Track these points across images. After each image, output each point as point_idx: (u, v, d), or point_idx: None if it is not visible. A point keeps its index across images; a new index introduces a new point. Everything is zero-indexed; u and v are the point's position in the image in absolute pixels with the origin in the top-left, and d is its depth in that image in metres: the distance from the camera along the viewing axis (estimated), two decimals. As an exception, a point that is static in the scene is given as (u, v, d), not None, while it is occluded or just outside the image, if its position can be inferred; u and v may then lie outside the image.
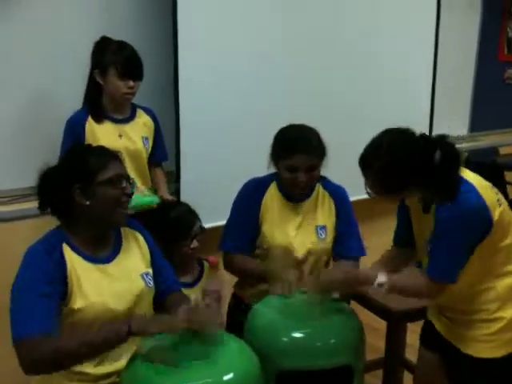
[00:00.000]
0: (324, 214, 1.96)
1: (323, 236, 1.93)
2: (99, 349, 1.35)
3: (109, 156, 1.51)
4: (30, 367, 1.32)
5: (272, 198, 1.95)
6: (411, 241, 1.71)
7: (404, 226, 1.73)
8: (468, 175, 1.53)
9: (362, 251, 1.99)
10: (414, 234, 1.68)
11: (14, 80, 2.25)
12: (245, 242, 1.94)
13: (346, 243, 1.96)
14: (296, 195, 1.93)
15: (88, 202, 1.45)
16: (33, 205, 2.24)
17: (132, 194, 1.54)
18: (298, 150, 1.82)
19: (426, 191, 1.52)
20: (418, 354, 1.83)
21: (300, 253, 1.90)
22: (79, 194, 1.45)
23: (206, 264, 2.12)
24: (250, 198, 1.96)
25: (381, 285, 1.54)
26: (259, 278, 1.87)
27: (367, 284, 1.58)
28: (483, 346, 1.56)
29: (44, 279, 1.38)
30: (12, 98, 2.26)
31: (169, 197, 2.33)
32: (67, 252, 1.44)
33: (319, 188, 1.98)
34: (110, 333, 1.33)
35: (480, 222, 1.47)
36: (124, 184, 1.50)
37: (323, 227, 1.94)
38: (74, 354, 1.33)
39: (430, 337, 1.75)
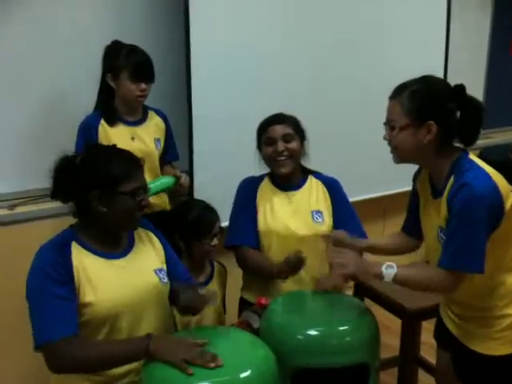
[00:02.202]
0: (318, 200, 2.02)
1: (319, 220, 1.98)
2: (116, 362, 1.40)
3: (133, 164, 1.50)
4: (55, 369, 1.41)
5: (265, 190, 2.04)
6: (417, 231, 1.70)
7: (413, 215, 1.72)
8: (481, 163, 1.51)
9: (362, 234, 2.01)
10: (422, 226, 1.66)
11: (29, 84, 2.28)
12: (248, 235, 2.00)
13: (345, 228, 1.97)
14: (280, 171, 1.98)
15: (105, 210, 1.45)
16: (50, 205, 2.30)
17: (147, 206, 1.54)
18: (271, 122, 1.99)
19: (444, 134, 1.49)
20: (437, 354, 1.82)
21: (297, 234, 1.94)
22: (97, 201, 1.45)
23: (216, 265, 2.15)
24: (245, 193, 2.05)
25: (390, 267, 1.51)
26: (267, 273, 1.91)
27: (374, 271, 1.54)
28: (491, 343, 1.54)
29: (58, 280, 1.40)
30: (29, 101, 2.29)
31: (180, 173, 2.29)
32: (76, 249, 1.46)
33: (312, 178, 2.07)
34: (128, 347, 1.38)
35: (494, 207, 1.44)
36: (141, 196, 1.49)
37: (318, 212, 2.00)
38: (94, 365, 1.40)
39: (441, 335, 1.74)
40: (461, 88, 1.52)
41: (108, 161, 1.48)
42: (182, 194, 2.32)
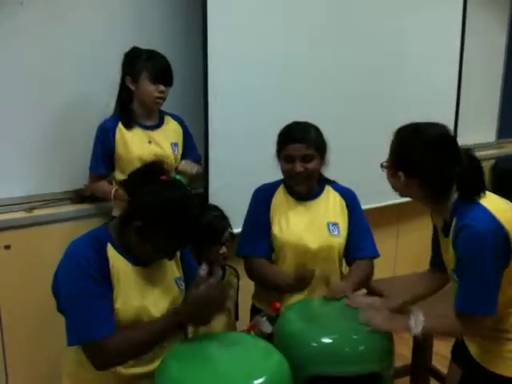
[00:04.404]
0: (336, 211, 1.99)
1: (335, 232, 1.96)
2: (162, 336, 1.45)
3: (189, 233, 1.47)
4: (105, 365, 1.42)
5: (280, 199, 2.00)
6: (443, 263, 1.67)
7: (437, 248, 1.68)
8: (488, 199, 1.47)
9: (376, 252, 2.01)
10: (442, 255, 1.63)
11: (48, 89, 2.32)
12: (260, 245, 1.97)
13: (360, 244, 1.99)
14: (296, 188, 1.96)
15: (134, 241, 1.46)
16: (67, 208, 2.34)
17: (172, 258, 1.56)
18: (292, 139, 1.90)
19: (424, 185, 1.46)
20: (449, 366, 1.81)
21: (311, 248, 1.92)
22: (133, 229, 1.44)
23: (228, 270, 2.15)
24: (260, 201, 2.02)
25: (416, 328, 1.51)
26: (275, 287, 1.90)
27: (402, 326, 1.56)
28: (506, 363, 1.53)
29: (96, 278, 1.41)
30: (48, 106, 2.33)
31: (187, 167, 2.30)
32: (111, 251, 1.46)
33: (329, 189, 2.03)
34: (162, 325, 1.43)
35: (499, 244, 1.40)
36: (174, 255, 1.51)
37: (335, 224, 1.97)
38: (146, 344, 1.43)
39: (459, 351, 1.72)
40: (451, 143, 1.47)
41: (179, 219, 1.44)
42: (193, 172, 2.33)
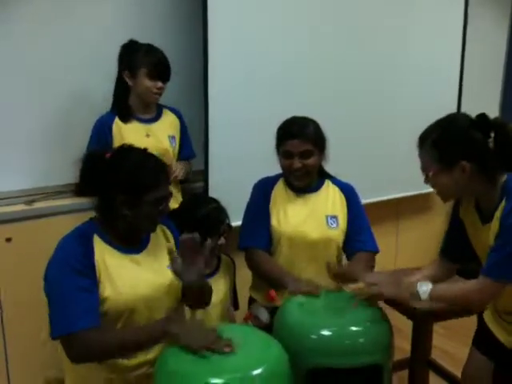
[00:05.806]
0: (335, 205, 2.00)
1: (334, 225, 1.97)
2: (134, 345, 1.44)
3: (162, 173, 1.51)
4: (78, 358, 1.42)
5: (280, 192, 2.01)
6: (458, 255, 1.69)
7: (454, 238, 1.69)
8: None
9: (375, 246, 2.02)
10: (477, 253, 1.62)
11: (50, 82, 2.32)
12: (261, 237, 1.98)
13: (360, 238, 1.99)
14: (295, 183, 1.97)
15: (128, 213, 1.48)
16: (67, 201, 2.34)
17: (167, 212, 1.57)
18: (291, 135, 1.90)
19: (481, 166, 1.47)
20: (469, 355, 1.82)
21: (308, 240, 1.93)
22: (122, 204, 1.47)
23: (223, 257, 2.16)
24: (260, 194, 2.03)
25: (424, 285, 1.52)
26: (273, 282, 1.89)
27: (410, 292, 1.56)
28: None
29: (82, 272, 1.42)
30: (50, 99, 2.33)
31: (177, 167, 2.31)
32: (97, 242, 1.49)
33: (328, 183, 2.04)
34: (145, 330, 1.43)
35: None
36: (164, 205, 1.52)
37: (334, 217, 1.98)
38: (120, 349, 1.42)
39: (485, 342, 1.73)
40: (481, 117, 1.49)
41: (138, 167, 1.48)
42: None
